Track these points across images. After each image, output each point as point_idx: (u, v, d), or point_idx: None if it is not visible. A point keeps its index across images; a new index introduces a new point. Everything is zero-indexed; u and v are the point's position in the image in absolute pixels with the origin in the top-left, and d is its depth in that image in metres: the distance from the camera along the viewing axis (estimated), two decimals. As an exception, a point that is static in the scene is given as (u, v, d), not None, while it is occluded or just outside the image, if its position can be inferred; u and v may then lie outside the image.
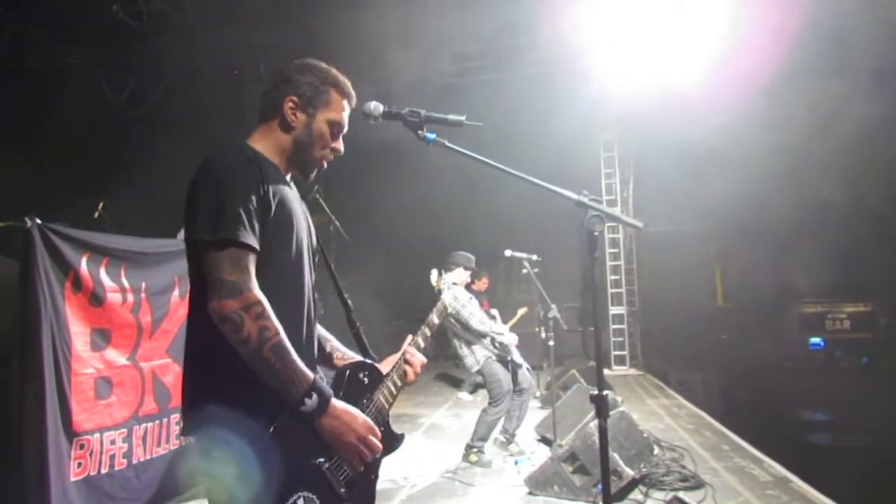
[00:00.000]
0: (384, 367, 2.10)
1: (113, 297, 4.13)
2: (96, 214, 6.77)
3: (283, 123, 1.90)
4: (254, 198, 1.69)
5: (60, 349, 3.72)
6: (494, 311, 7.39)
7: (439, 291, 2.35)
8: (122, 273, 4.22)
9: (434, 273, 2.39)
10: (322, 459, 1.69)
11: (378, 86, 9.47)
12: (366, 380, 1.96)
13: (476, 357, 5.80)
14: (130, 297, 4.27)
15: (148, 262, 4.47)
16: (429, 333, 2.25)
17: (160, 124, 11.34)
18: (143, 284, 4.37)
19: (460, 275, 5.92)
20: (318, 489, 1.66)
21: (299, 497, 1.61)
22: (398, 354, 2.14)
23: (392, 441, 1.97)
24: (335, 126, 1.94)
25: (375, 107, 1.99)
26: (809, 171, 9.60)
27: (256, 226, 1.69)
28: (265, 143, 1.90)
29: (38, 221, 3.68)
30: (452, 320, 5.79)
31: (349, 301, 2.19)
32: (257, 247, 1.67)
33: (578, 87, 11.08)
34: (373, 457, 1.79)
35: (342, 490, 1.71)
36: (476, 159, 2.01)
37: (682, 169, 10.82)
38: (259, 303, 1.61)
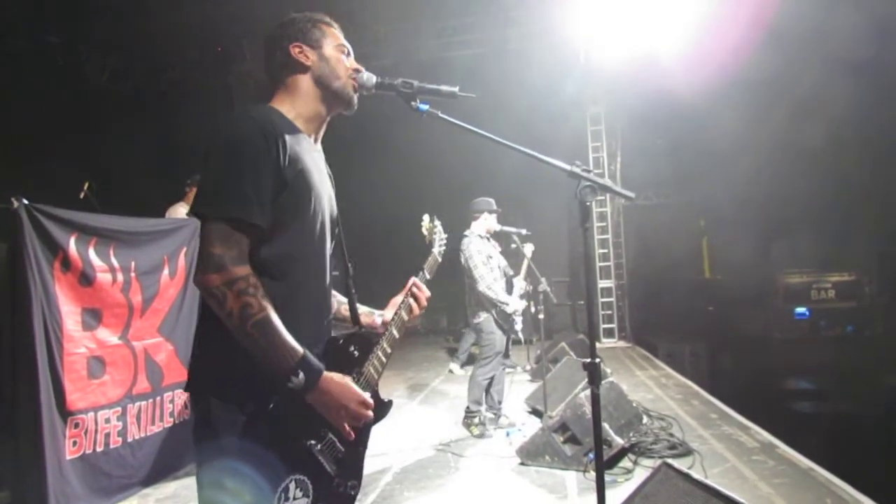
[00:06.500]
0: (388, 311, 2.14)
1: (103, 276, 4.12)
2: (82, 195, 6.65)
3: (299, 69, 1.91)
4: (263, 171, 1.67)
5: (52, 329, 3.72)
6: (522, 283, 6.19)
7: (430, 243, 2.29)
8: (112, 253, 4.21)
9: (426, 218, 2.30)
10: (312, 441, 1.70)
11: (364, 61, 9.37)
12: (356, 353, 1.95)
13: (481, 309, 5.64)
14: (120, 277, 4.27)
15: (137, 241, 4.45)
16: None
17: (143, 103, 11.19)
18: (133, 264, 4.37)
19: (481, 225, 5.81)
20: (310, 470, 1.68)
21: (291, 480, 1.63)
22: (402, 294, 2.16)
23: (381, 409, 1.95)
24: (343, 49, 1.98)
25: (368, 78, 1.96)
26: (795, 144, 9.65)
27: (262, 200, 1.66)
28: (291, 102, 1.89)
29: (25, 202, 3.65)
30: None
31: (350, 265, 2.13)
32: (258, 222, 1.64)
33: (565, 61, 11.03)
34: (363, 427, 1.82)
35: (333, 468, 1.73)
36: (470, 130, 2.00)
37: (668, 142, 10.85)
38: (244, 279, 1.59)
